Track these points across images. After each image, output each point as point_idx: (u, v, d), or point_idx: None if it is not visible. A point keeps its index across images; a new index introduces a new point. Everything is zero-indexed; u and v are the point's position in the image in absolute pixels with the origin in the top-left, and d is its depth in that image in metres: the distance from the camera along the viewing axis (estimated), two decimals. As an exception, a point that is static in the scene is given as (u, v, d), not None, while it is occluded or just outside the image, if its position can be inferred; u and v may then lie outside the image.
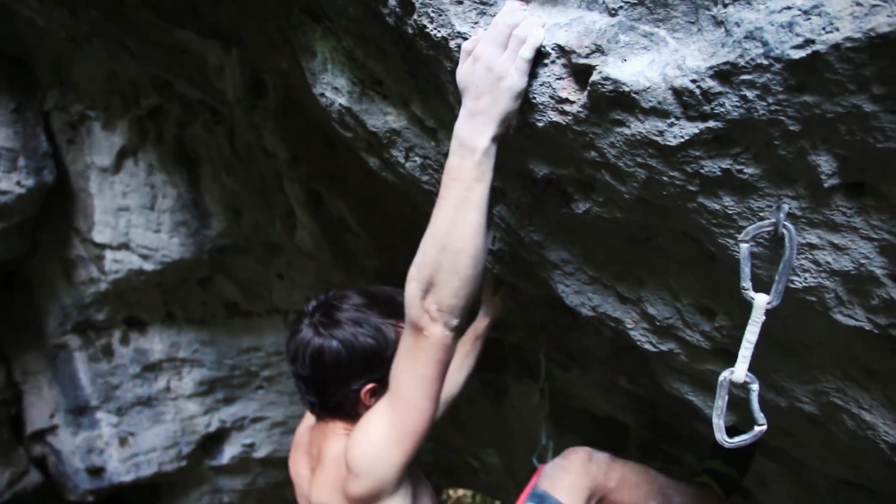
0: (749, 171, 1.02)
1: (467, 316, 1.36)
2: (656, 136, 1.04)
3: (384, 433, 1.45)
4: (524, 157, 1.31)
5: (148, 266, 4.62)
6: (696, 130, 1.01)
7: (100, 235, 4.65)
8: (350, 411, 1.61)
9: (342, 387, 1.59)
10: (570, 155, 1.20)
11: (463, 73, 1.19)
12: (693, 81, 0.97)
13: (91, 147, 4.47)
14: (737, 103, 0.95)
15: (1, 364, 5.47)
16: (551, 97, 1.13)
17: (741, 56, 0.92)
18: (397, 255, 3.28)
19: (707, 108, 0.98)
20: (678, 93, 0.99)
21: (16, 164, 4.30)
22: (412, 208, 2.44)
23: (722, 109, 0.97)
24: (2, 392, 5.38)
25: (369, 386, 1.58)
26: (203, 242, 4.52)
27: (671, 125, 1.02)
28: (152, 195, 4.50)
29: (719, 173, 1.04)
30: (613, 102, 1.06)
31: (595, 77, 1.05)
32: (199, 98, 4.07)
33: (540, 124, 1.18)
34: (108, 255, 4.77)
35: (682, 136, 1.02)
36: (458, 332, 1.36)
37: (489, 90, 1.16)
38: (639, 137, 1.06)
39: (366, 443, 1.47)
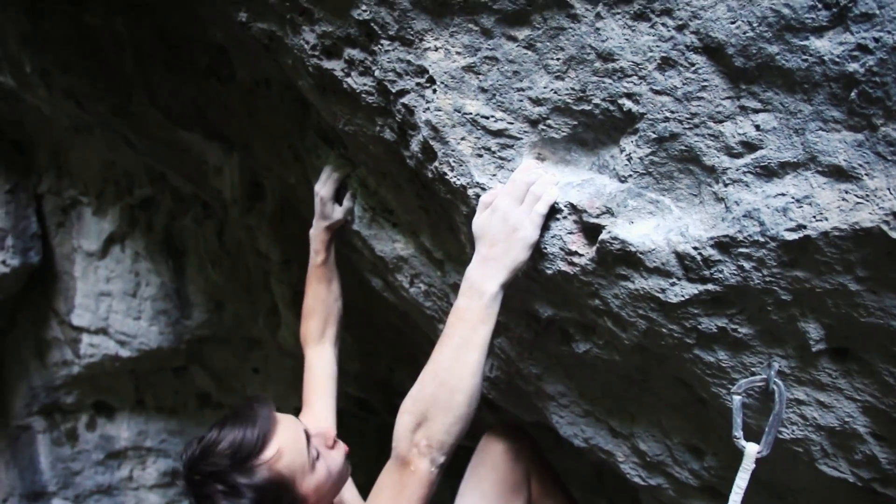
0: (743, 330, 1.11)
1: (452, 455, 1.37)
2: (658, 292, 1.13)
3: None
4: (530, 297, 1.39)
5: (124, 352, 4.59)
6: (696, 291, 1.10)
7: (78, 319, 4.64)
8: None
9: None
10: (575, 300, 1.29)
11: (480, 223, 1.28)
12: (695, 248, 1.07)
13: (80, 231, 4.51)
14: (734, 271, 1.05)
15: (-41, 444, 5.30)
16: (561, 249, 1.23)
17: (739, 231, 1.02)
18: (380, 361, 3.31)
19: (707, 272, 1.07)
20: (681, 257, 1.09)
21: (4, 243, 4.32)
22: (402, 319, 2.50)
23: (720, 275, 1.06)
24: (-43, 474, 5.20)
25: None
26: (182, 332, 4.52)
27: (672, 284, 1.12)
28: (136, 282, 4.52)
29: (715, 330, 1.13)
30: (620, 259, 1.15)
31: (604, 235, 1.15)
32: (191, 192, 4.15)
33: (549, 272, 1.27)
34: (85, 338, 4.74)
35: (682, 295, 1.11)
36: (442, 470, 1.35)
37: (504, 239, 1.25)
38: (642, 292, 1.15)
39: None
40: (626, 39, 1.08)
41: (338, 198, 1.90)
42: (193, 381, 4.93)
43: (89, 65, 3.11)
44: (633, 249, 1.12)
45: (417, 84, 1.30)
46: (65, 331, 4.77)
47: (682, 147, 1.06)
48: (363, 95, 1.41)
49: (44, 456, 5.26)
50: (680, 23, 1.03)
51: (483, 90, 1.23)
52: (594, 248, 1.18)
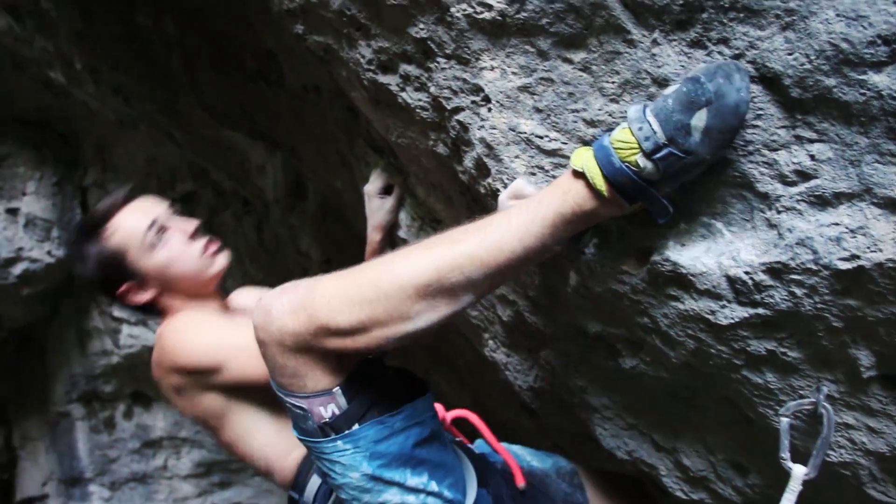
0: (792, 354, 1.12)
1: None
2: (708, 314, 1.15)
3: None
4: (578, 313, 1.41)
5: (163, 344, 4.68)
6: (746, 315, 1.12)
7: (119, 310, 4.74)
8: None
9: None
10: (624, 318, 1.31)
11: None
12: (746, 273, 1.08)
13: (122, 224, 4.60)
14: (785, 297, 1.06)
15: (1, 427, 5.45)
16: (612, 268, 1.25)
17: (792, 259, 1.03)
18: (417, 363, 3.35)
19: (757, 297, 1.09)
20: (732, 280, 1.10)
21: (49, 234, 4.43)
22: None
23: (771, 300, 1.08)
24: (-1, 455, 5.36)
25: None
26: (220, 325, 4.59)
27: (723, 307, 1.13)
28: (176, 275, 4.60)
29: (764, 353, 1.14)
30: (671, 281, 1.17)
31: (656, 257, 1.17)
32: (231, 188, 4.21)
33: (598, 289, 1.29)
34: (125, 329, 4.84)
35: (732, 318, 1.13)
36: None
37: None
38: (691, 313, 1.17)
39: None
40: (682, 66, 1.09)
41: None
42: (229, 373, 5.02)
43: (138, 64, 3.18)
44: (685, 271, 1.14)
45: (473, 102, 1.33)
46: (105, 321, 4.88)
47: (736, 173, 1.08)
48: (418, 110, 1.45)
49: (82, 442, 5.39)
50: (737, 52, 1.04)
51: (538, 110, 1.26)
52: (645, 269, 1.20)
